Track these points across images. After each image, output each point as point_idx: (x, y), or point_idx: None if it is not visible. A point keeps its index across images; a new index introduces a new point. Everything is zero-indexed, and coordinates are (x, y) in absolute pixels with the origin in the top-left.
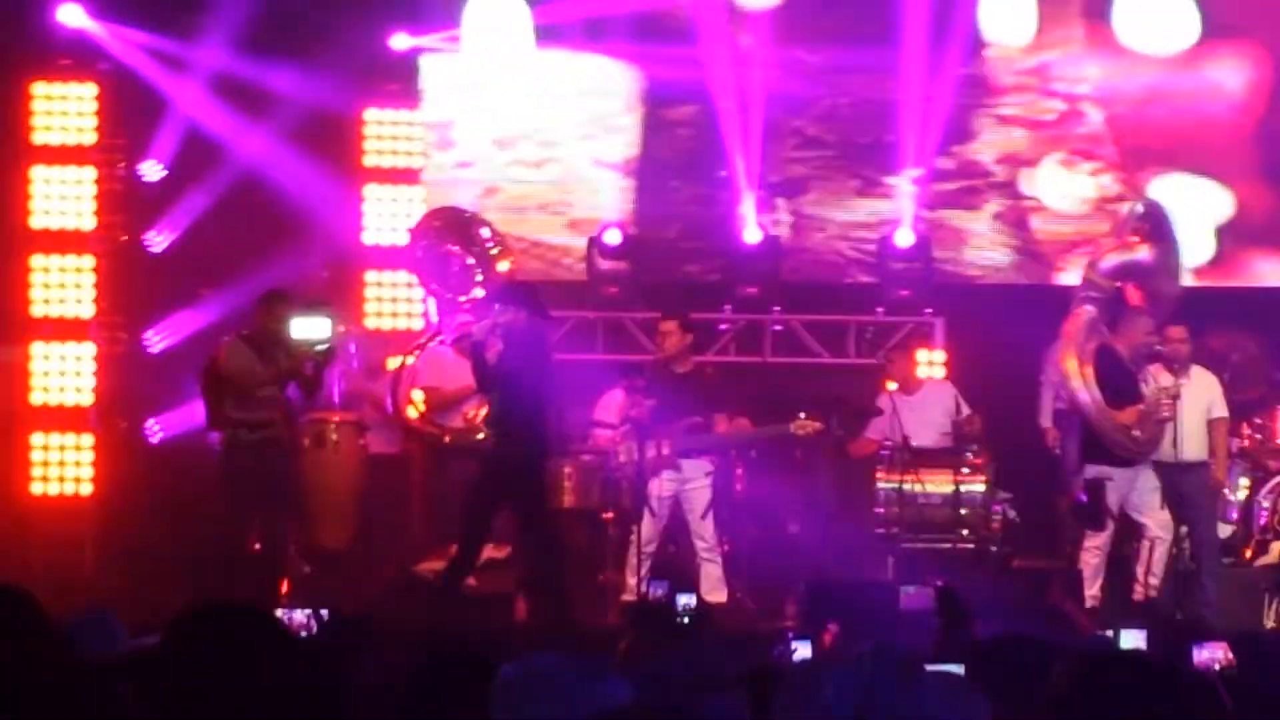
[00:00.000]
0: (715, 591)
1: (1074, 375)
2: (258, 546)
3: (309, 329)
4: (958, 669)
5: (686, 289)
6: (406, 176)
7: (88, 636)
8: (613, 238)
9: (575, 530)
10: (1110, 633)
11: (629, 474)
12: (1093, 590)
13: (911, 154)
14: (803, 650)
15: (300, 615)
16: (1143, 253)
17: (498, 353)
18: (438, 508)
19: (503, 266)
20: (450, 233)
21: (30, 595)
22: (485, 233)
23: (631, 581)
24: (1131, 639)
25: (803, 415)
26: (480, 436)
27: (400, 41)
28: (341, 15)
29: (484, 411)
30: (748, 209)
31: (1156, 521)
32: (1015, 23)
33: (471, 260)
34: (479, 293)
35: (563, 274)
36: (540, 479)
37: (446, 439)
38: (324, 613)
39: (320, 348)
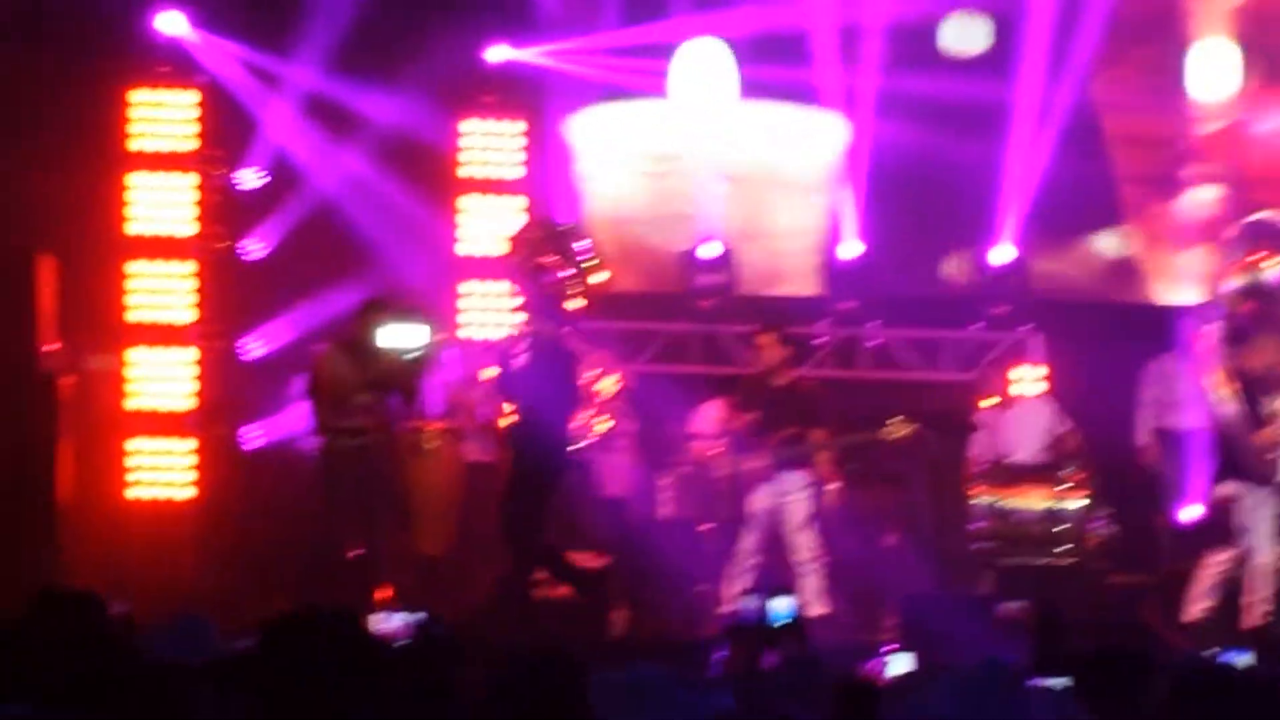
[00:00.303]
0: (815, 604)
1: (1220, 390)
2: (357, 553)
3: (401, 336)
4: (1063, 683)
5: (783, 302)
6: (502, 187)
7: (176, 641)
8: (711, 251)
9: (673, 542)
10: (1215, 653)
11: (728, 486)
12: (1200, 605)
13: (1018, 170)
14: (902, 664)
15: (398, 621)
16: (1275, 272)
17: (523, 363)
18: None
19: (598, 279)
20: (547, 244)
21: (98, 599)
22: (582, 245)
23: (730, 593)
24: (1239, 661)
25: (896, 419)
26: (576, 447)
27: (496, 54)
28: (437, 27)
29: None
30: (847, 223)
31: (1270, 550)
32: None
33: (568, 272)
34: (577, 304)
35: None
36: (543, 490)
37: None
38: (422, 618)
39: (412, 355)
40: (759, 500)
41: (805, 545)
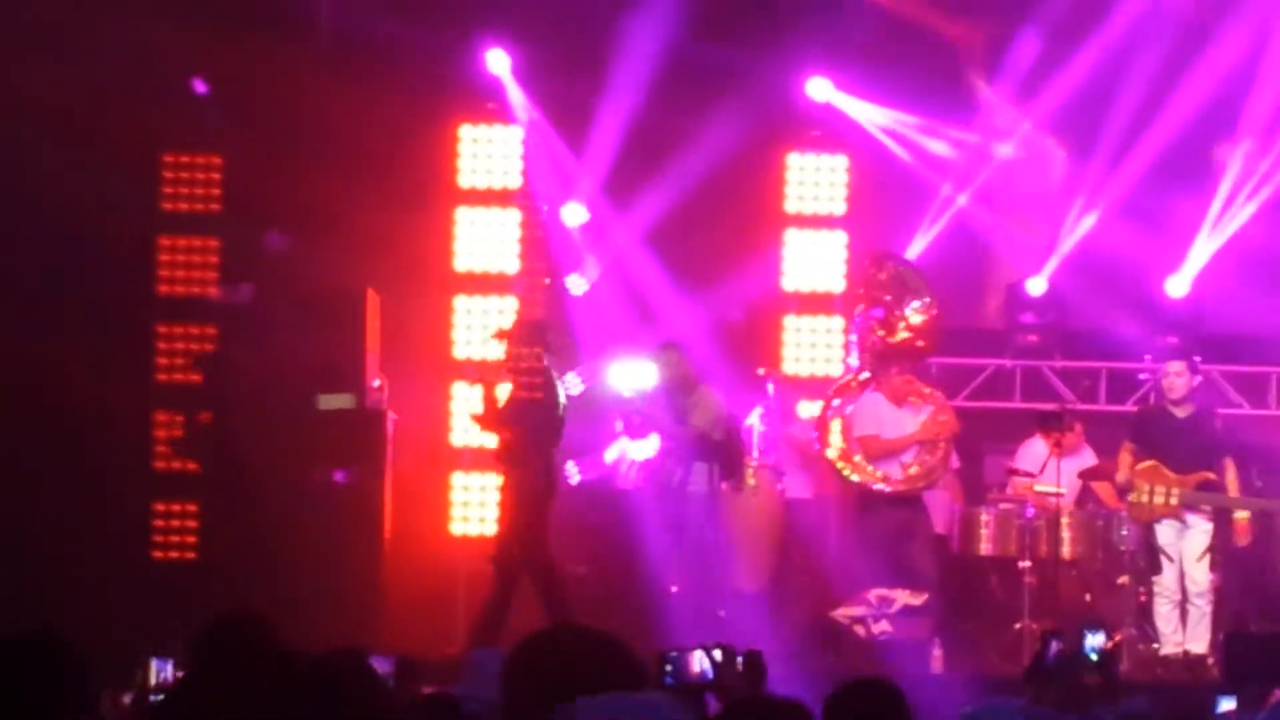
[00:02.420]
0: (1198, 641)
1: None
2: (675, 589)
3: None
4: None
5: (1107, 340)
6: (827, 222)
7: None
8: (1036, 288)
9: (991, 578)
10: None
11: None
12: None
13: None
14: (1226, 704)
15: (699, 657)
16: None
17: (507, 388)
18: (864, 553)
19: (916, 320)
20: (892, 285)
21: (263, 621)
22: (922, 296)
23: (1169, 633)
24: None
25: None
26: (918, 486)
27: (817, 89)
28: (758, 59)
29: (925, 462)
30: (1191, 264)
31: None
32: None
33: (898, 312)
34: (909, 341)
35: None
36: (539, 507)
37: (884, 487)
38: (717, 654)
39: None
40: (1165, 534)
41: (1201, 578)
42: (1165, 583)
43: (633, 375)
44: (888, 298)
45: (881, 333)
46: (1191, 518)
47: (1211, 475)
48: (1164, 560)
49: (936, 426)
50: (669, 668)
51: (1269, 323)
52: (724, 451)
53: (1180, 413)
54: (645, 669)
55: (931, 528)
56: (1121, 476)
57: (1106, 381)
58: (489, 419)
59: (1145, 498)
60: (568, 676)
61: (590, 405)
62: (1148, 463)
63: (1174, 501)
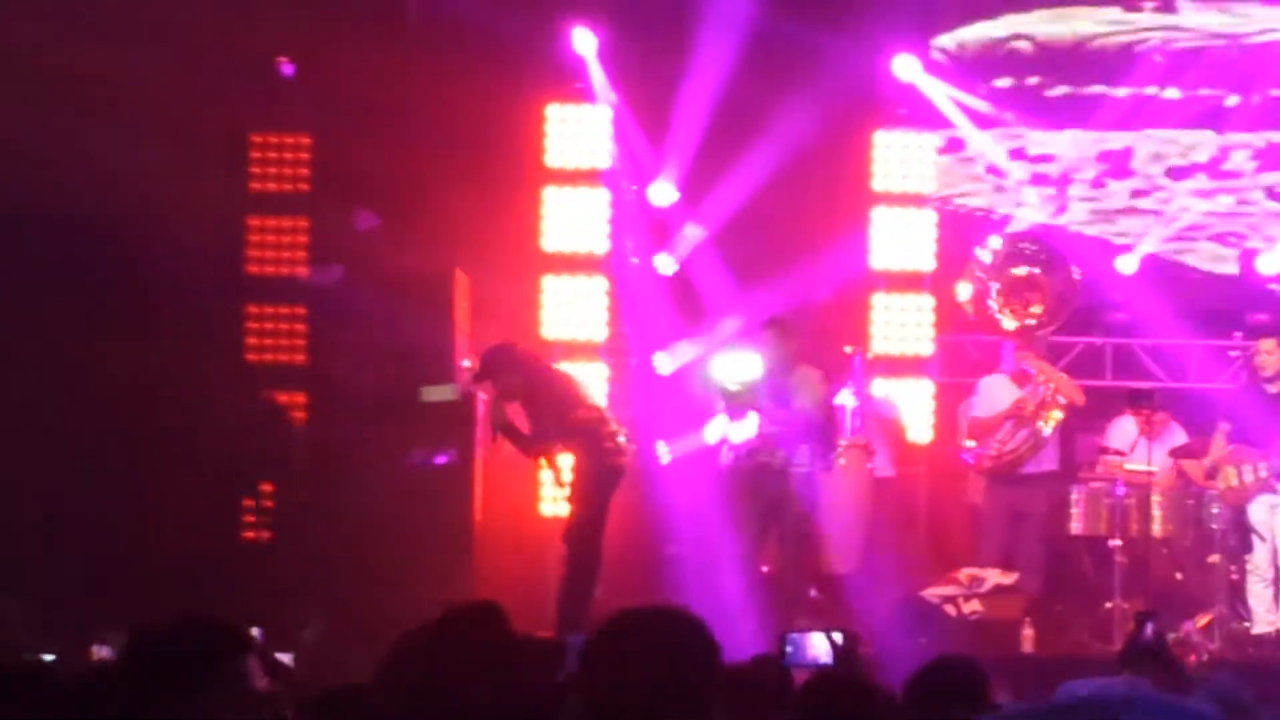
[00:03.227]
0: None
1: None
2: (766, 569)
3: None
4: None
5: (1199, 315)
6: (916, 200)
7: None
8: (1127, 266)
9: (1082, 557)
10: None
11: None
12: None
13: None
14: None
15: (816, 640)
16: None
17: (523, 418)
18: (979, 532)
19: (1066, 280)
20: (1015, 259)
21: (498, 610)
22: (1048, 255)
23: (1261, 612)
24: None
25: None
26: (1010, 460)
27: (903, 68)
28: (844, 38)
29: (1015, 439)
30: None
31: None
32: None
33: (1033, 278)
34: (1035, 318)
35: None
36: (597, 494)
37: (986, 464)
38: (838, 637)
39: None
40: (1257, 512)
41: None
42: (1258, 561)
43: (736, 365)
44: (1016, 271)
45: (1004, 314)
46: None
47: None
48: (1256, 539)
49: (1027, 400)
50: (789, 649)
51: None
52: (824, 431)
53: (1273, 389)
54: (721, 651)
55: (1044, 508)
56: (1209, 460)
57: (1197, 359)
58: (529, 451)
59: (1234, 480)
60: (642, 660)
61: (685, 386)
62: (1230, 446)
63: (1263, 474)
